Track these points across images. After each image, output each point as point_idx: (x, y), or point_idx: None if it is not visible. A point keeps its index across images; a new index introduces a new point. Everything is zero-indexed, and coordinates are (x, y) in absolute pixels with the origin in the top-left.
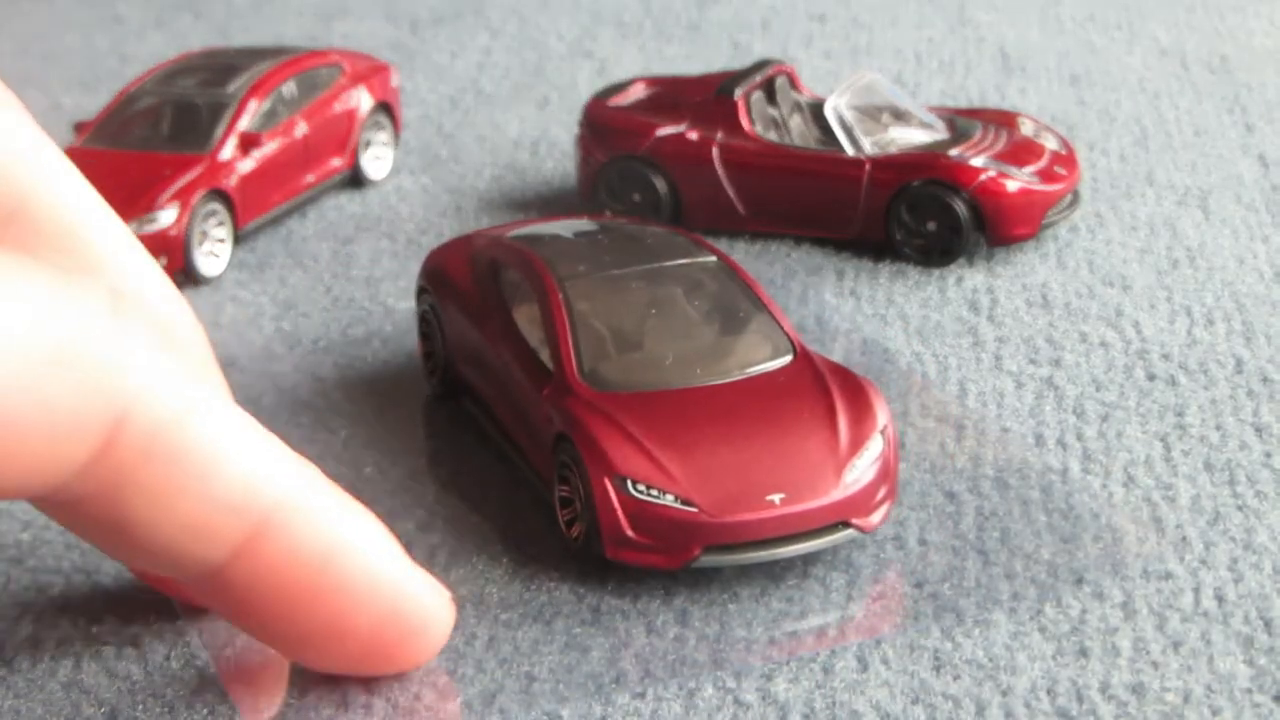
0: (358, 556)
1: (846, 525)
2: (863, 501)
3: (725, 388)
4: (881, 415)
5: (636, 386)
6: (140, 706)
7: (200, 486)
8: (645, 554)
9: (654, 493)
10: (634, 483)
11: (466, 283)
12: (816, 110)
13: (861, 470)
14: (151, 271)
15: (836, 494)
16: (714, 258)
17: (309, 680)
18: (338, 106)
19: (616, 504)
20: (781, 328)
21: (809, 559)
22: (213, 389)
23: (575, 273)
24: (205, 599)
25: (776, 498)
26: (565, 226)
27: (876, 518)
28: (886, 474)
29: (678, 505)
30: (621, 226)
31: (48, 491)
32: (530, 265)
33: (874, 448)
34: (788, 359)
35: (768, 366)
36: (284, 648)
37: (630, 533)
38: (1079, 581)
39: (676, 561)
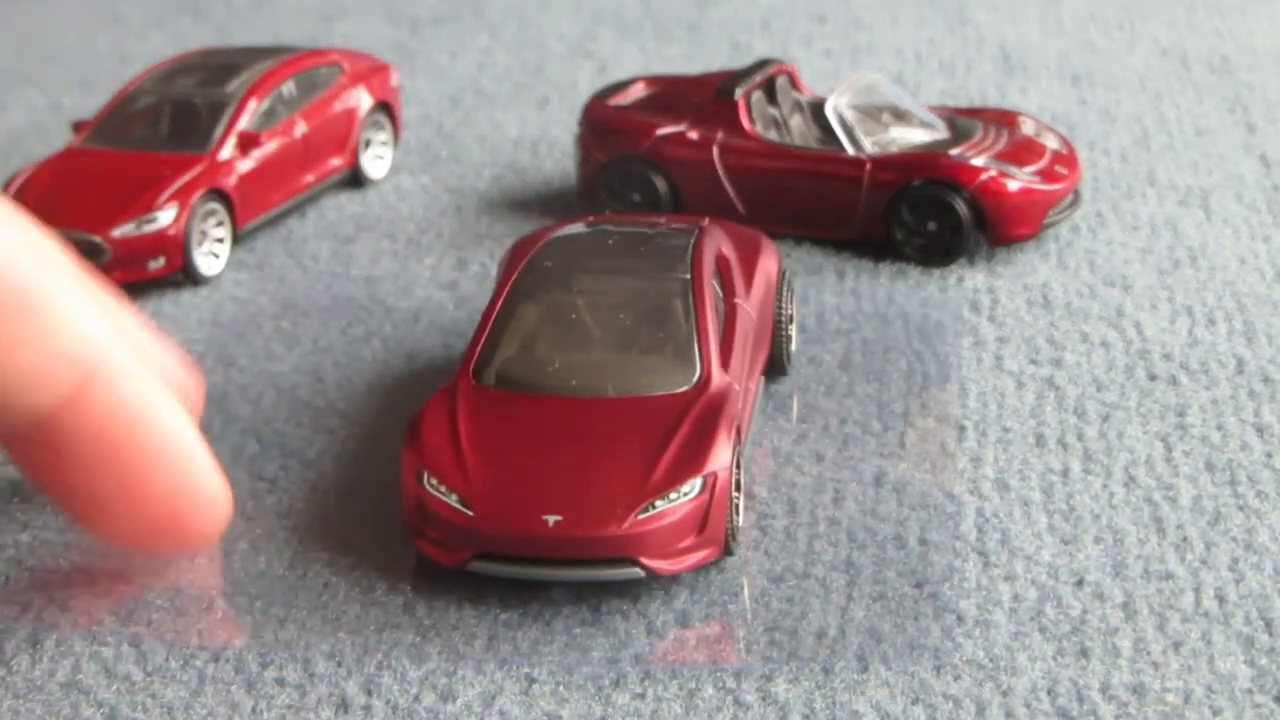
0: (164, 419)
1: (636, 563)
2: (656, 543)
3: (586, 403)
4: (713, 463)
5: (508, 385)
6: (140, 706)
7: (45, 335)
8: (431, 547)
9: (442, 489)
10: (428, 476)
11: (507, 272)
12: (817, 110)
13: (662, 512)
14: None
15: (619, 529)
16: (687, 275)
17: (308, 680)
18: (337, 106)
19: (413, 491)
20: (699, 359)
21: (809, 560)
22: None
23: (544, 270)
24: (20, 457)
25: (552, 519)
26: (597, 224)
27: (675, 564)
28: (701, 523)
29: (458, 506)
30: (642, 230)
31: None
32: (524, 258)
33: (685, 492)
34: (677, 390)
35: (646, 392)
36: (85, 514)
37: (421, 522)
38: (1079, 582)
39: (452, 560)
